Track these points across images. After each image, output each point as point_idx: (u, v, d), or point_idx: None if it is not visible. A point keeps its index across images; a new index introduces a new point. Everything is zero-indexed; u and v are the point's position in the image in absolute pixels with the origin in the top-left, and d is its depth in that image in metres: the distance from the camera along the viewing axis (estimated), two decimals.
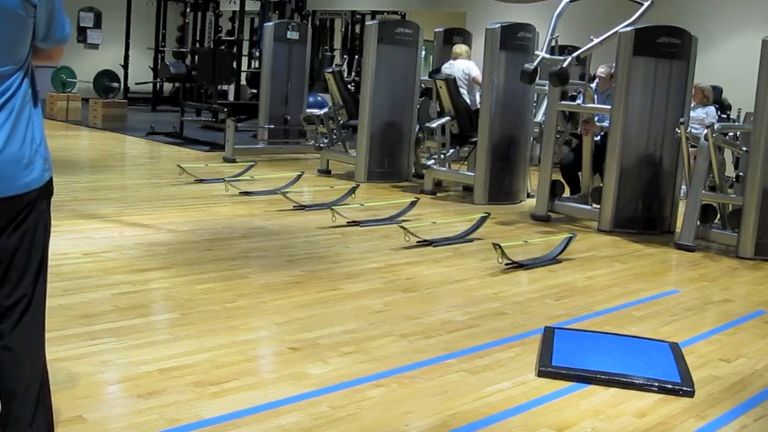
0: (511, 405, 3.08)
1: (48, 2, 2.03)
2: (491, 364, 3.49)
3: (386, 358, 3.47)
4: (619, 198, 6.78)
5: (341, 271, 4.89)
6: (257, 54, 14.80)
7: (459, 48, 8.76)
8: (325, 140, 9.19)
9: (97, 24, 17.34)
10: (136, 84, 15.75)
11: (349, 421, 2.84)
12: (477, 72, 8.40)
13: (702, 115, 8.80)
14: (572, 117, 7.36)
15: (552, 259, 5.52)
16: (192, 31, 15.50)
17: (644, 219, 6.90)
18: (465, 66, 8.54)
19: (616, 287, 5.01)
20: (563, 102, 7.18)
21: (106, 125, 12.16)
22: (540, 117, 8.57)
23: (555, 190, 7.19)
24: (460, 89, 8.32)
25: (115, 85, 15.15)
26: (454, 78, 8.22)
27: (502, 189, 7.87)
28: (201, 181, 7.70)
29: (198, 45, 14.92)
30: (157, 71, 15.50)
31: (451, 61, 8.66)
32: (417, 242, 5.67)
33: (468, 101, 8.35)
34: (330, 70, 9.57)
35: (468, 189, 8.13)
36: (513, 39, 7.76)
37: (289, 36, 10.59)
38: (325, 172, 9.04)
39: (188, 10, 15.96)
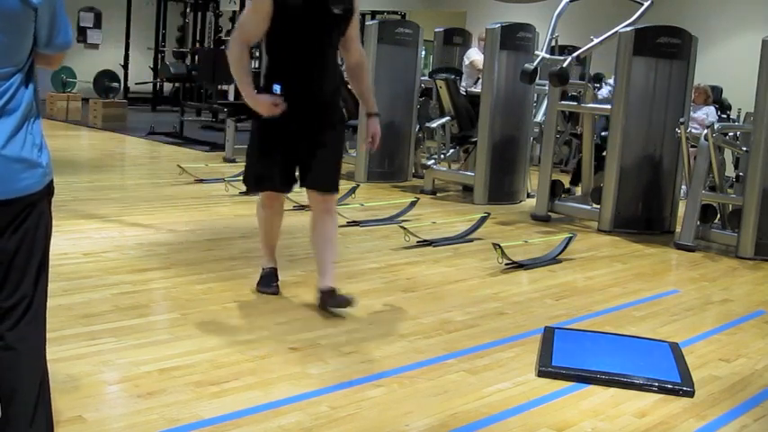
0: (511, 405, 3.08)
1: (49, 6, 2.01)
2: (491, 364, 3.49)
3: (386, 358, 3.47)
4: (619, 198, 6.78)
5: (341, 271, 4.87)
6: (257, 54, 14.79)
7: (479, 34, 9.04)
8: None
9: (97, 24, 17.35)
10: (136, 84, 15.75)
11: (349, 421, 2.84)
12: (476, 57, 8.55)
13: (703, 116, 8.82)
14: (572, 117, 7.37)
15: (552, 259, 5.52)
16: (192, 31, 15.50)
17: (644, 219, 6.90)
18: (468, 52, 8.85)
19: (616, 287, 5.01)
20: (563, 102, 7.18)
21: (106, 125, 12.16)
22: (540, 117, 8.58)
23: (555, 190, 7.19)
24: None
25: (115, 85, 15.15)
26: (454, 78, 8.22)
27: (502, 189, 7.87)
28: (201, 181, 7.70)
29: (198, 45, 14.92)
30: (157, 71, 15.50)
31: None
32: (417, 242, 5.66)
33: (464, 87, 8.51)
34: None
35: (468, 189, 8.13)
36: (513, 39, 7.77)
37: None
38: None
39: (188, 10, 15.97)
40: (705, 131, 6.38)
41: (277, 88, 3.79)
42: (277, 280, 4.28)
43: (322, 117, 3.89)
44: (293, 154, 3.90)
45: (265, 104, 3.76)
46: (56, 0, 2.03)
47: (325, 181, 3.96)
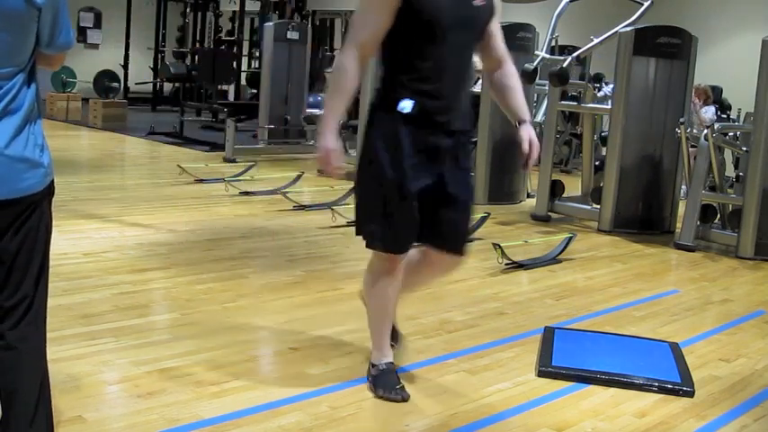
0: (511, 405, 3.08)
1: (52, 6, 2.02)
2: (491, 364, 3.49)
3: None
4: (619, 198, 6.78)
5: (341, 271, 4.88)
6: (257, 54, 14.82)
7: None
8: None
9: (97, 24, 17.35)
10: (136, 84, 15.75)
11: (349, 421, 2.84)
12: (475, 58, 8.55)
13: (711, 116, 8.85)
14: (572, 117, 7.37)
15: (552, 259, 5.52)
16: (192, 31, 15.51)
17: (644, 219, 6.90)
18: None
19: (616, 287, 5.01)
20: (563, 102, 7.18)
21: (106, 125, 12.16)
22: (540, 117, 8.57)
23: (555, 190, 7.19)
24: None
25: (115, 85, 15.16)
26: None
27: (502, 189, 7.87)
28: (201, 181, 7.70)
29: (198, 45, 14.93)
30: (157, 71, 15.51)
31: None
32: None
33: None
34: (330, 70, 9.57)
35: None
36: (513, 39, 7.76)
37: (289, 36, 10.60)
38: None
39: (188, 10, 15.98)
40: (705, 131, 6.38)
41: (407, 106, 2.76)
42: (399, 379, 3.10)
43: (460, 149, 2.90)
44: (424, 196, 2.85)
45: (326, 157, 2.76)
46: (59, 0, 2.03)
47: (459, 239, 3.00)
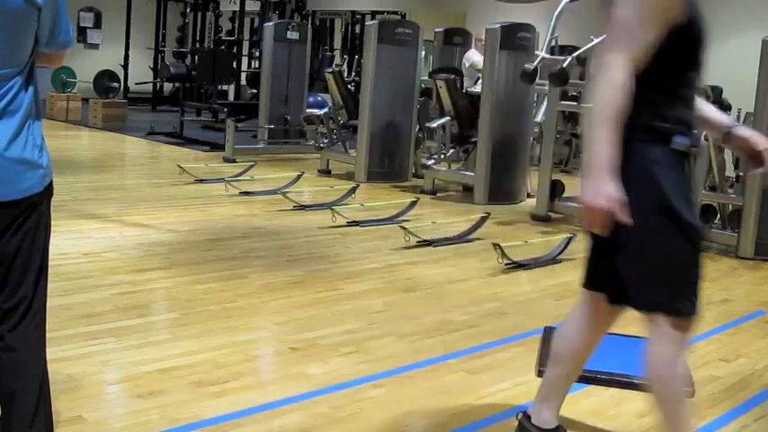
0: (511, 405, 3.07)
1: (52, 5, 2.02)
2: (491, 364, 3.49)
3: (386, 358, 3.47)
4: None
5: (341, 271, 4.89)
6: (257, 54, 14.81)
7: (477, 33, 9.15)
8: (326, 140, 9.19)
9: (97, 24, 17.35)
10: (136, 84, 15.75)
11: (349, 421, 2.84)
12: (476, 58, 8.66)
13: None
14: (572, 117, 7.37)
15: (552, 259, 5.52)
16: (192, 31, 15.51)
17: None
18: (468, 54, 8.93)
19: None
20: (563, 102, 7.18)
21: (106, 125, 12.16)
22: (539, 117, 8.57)
23: (555, 190, 7.19)
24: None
25: (115, 85, 15.16)
26: (454, 78, 8.23)
27: (502, 189, 7.87)
28: (201, 181, 7.70)
29: (198, 45, 14.92)
30: (157, 71, 15.51)
31: None
32: (417, 242, 5.66)
33: (465, 88, 8.56)
34: (330, 70, 9.58)
35: (468, 189, 8.13)
36: (513, 39, 7.77)
37: (289, 36, 10.60)
38: (326, 172, 9.04)
39: (188, 10, 15.97)
40: (705, 131, 6.38)
41: (682, 141, 2.31)
42: None
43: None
44: None
45: (605, 211, 2.12)
46: None
47: None
